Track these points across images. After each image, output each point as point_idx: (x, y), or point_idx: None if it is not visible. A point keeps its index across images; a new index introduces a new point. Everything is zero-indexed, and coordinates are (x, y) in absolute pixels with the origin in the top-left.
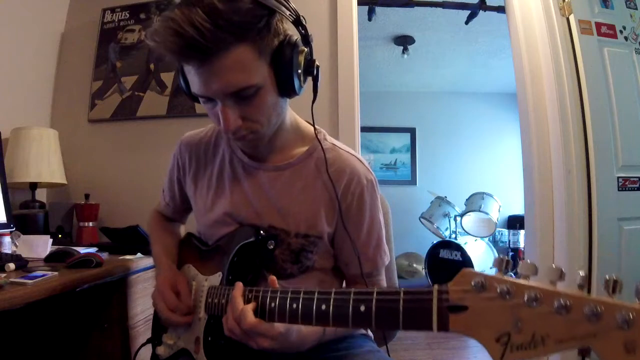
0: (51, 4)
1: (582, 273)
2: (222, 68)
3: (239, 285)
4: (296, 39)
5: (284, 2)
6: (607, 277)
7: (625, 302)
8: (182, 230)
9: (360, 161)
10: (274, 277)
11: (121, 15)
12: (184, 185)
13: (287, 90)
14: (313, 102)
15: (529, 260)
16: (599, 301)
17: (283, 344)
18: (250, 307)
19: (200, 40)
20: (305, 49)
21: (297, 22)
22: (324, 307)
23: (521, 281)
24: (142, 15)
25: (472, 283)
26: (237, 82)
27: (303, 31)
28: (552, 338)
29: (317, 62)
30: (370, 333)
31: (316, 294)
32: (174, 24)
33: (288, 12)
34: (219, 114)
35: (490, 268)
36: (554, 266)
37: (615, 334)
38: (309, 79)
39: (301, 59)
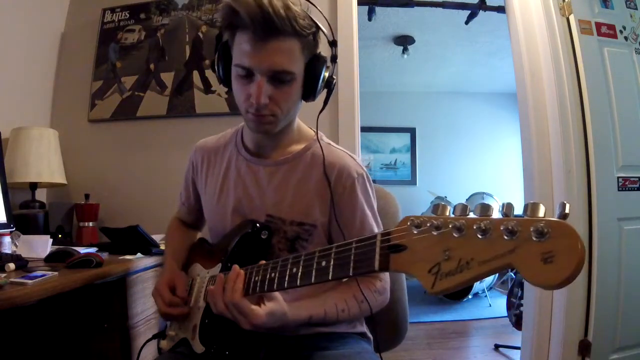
0: (51, 4)
1: (505, 202)
2: (275, 48)
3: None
4: (326, 57)
5: (328, 26)
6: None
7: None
8: (198, 237)
9: (352, 157)
10: (263, 261)
11: (121, 15)
12: (196, 183)
13: (308, 93)
14: (320, 111)
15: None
16: (514, 219)
17: (267, 325)
18: (240, 285)
19: (274, 17)
20: (330, 66)
21: (333, 43)
22: (294, 269)
23: (450, 216)
24: (142, 15)
25: (408, 223)
26: (282, 64)
27: (333, 52)
28: (476, 260)
29: (335, 80)
30: (369, 334)
31: (290, 258)
32: None
33: (327, 32)
34: (253, 88)
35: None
36: (484, 202)
37: (531, 247)
38: (324, 92)
39: (326, 73)
